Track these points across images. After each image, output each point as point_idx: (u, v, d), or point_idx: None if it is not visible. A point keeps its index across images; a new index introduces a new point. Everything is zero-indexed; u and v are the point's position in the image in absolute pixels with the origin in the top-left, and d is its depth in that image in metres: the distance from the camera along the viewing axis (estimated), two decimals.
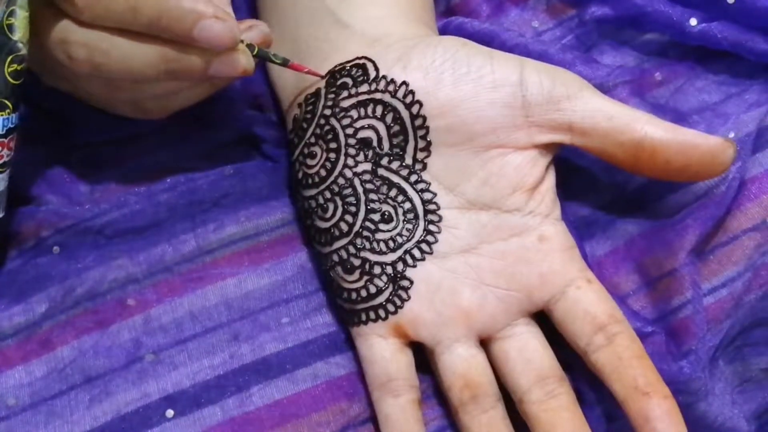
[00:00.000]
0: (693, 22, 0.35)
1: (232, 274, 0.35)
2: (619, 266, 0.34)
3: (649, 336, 0.32)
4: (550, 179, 0.33)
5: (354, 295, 0.33)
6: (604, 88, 0.35)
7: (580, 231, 0.35)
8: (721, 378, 0.34)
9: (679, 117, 0.35)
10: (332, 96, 0.34)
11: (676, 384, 0.31)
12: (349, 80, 0.33)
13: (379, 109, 0.33)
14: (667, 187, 0.34)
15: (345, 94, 0.33)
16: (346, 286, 0.33)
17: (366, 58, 0.33)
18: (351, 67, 0.34)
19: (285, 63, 0.33)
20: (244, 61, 0.31)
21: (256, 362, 0.33)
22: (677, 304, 0.33)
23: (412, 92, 0.32)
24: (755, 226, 0.33)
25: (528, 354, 0.32)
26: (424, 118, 0.32)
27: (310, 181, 0.34)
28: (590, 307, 0.31)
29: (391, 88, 0.33)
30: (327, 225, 0.34)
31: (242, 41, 0.31)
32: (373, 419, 0.33)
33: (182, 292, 0.34)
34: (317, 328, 0.34)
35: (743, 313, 0.33)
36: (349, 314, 0.33)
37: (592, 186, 0.35)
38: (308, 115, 0.34)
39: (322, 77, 0.34)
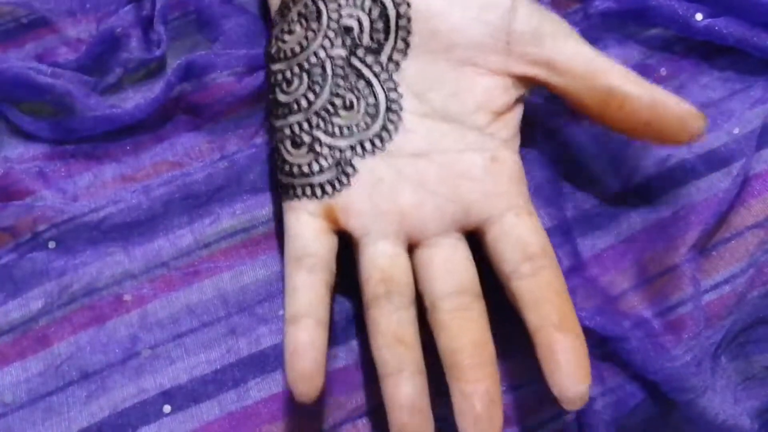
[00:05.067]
0: (698, 17, 0.35)
1: (229, 267, 0.34)
2: (620, 261, 0.34)
3: (635, 339, 0.32)
4: (518, 112, 0.33)
5: (296, 170, 0.33)
6: None
7: (582, 225, 0.35)
8: (724, 375, 0.34)
9: None
10: None
11: (671, 381, 0.31)
12: None
13: (367, 2, 0.33)
14: (671, 182, 0.34)
15: None
16: (290, 159, 0.33)
17: None
18: None
19: None
20: None
21: (254, 356, 0.33)
22: (677, 300, 0.32)
23: None
24: (759, 223, 0.33)
25: (451, 265, 0.31)
26: (409, 19, 0.32)
27: (282, 55, 0.34)
28: (525, 235, 0.31)
29: None
30: (287, 98, 0.34)
31: None
32: (373, 413, 0.32)
33: (179, 287, 0.34)
34: None
35: (746, 309, 0.34)
36: (285, 187, 0.33)
37: (594, 180, 0.35)
38: None
39: None
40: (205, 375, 0.32)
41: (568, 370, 0.28)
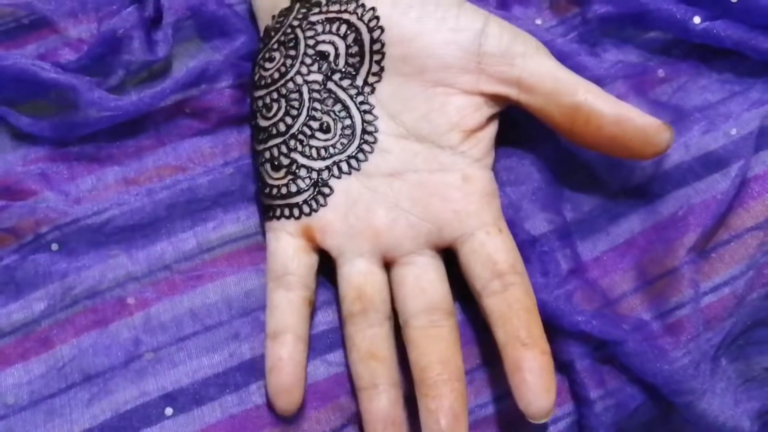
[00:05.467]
0: (696, 20, 0.35)
1: (233, 272, 0.35)
2: (619, 263, 0.34)
3: (633, 341, 0.32)
4: (491, 129, 0.34)
5: (275, 191, 0.34)
6: (605, 82, 0.35)
7: (581, 227, 0.35)
8: (724, 377, 0.34)
9: (681, 115, 0.35)
10: (304, 11, 0.35)
11: (669, 384, 0.31)
12: None
13: (343, 28, 0.34)
14: (669, 184, 0.34)
15: (316, 10, 0.35)
16: (270, 182, 0.34)
17: None
18: None
19: None
20: None
21: (256, 360, 0.33)
22: (676, 302, 0.32)
23: (377, 17, 0.33)
24: (758, 225, 0.33)
25: (423, 283, 0.32)
26: (383, 44, 0.33)
27: (263, 82, 0.35)
28: (494, 253, 0.32)
29: (359, 11, 0.34)
30: (267, 123, 0.35)
31: None
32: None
33: (182, 291, 0.34)
34: (317, 325, 0.34)
35: (746, 311, 0.33)
36: (266, 208, 0.35)
37: (593, 183, 0.35)
38: (278, 25, 0.36)
39: None
40: (207, 378, 0.33)
41: (534, 385, 0.29)
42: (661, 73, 0.36)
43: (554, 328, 0.33)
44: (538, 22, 0.38)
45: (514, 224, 0.34)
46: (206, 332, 0.33)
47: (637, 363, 0.32)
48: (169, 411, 0.32)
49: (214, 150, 0.37)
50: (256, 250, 0.35)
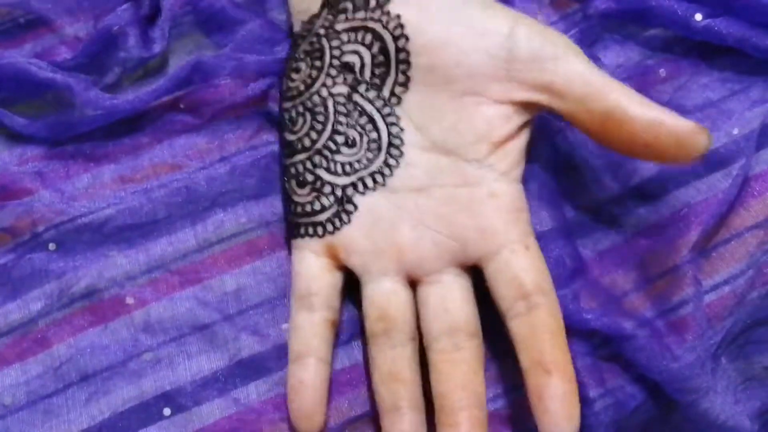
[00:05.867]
0: (698, 17, 0.35)
1: (231, 271, 0.34)
2: (621, 262, 0.34)
3: (642, 337, 0.32)
4: (521, 140, 0.32)
5: (300, 209, 0.34)
6: None
7: (583, 226, 0.35)
8: (724, 376, 0.34)
9: (682, 113, 0.35)
10: (330, 18, 0.34)
11: (675, 382, 0.31)
12: (349, 4, 0.34)
13: (368, 38, 0.33)
14: (671, 183, 0.34)
15: (342, 17, 0.34)
16: (296, 198, 0.34)
17: None
18: None
19: None
20: None
21: (255, 359, 0.33)
22: (678, 301, 0.32)
23: (401, 25, 0.32)
24: (758, 224, 0.33)
25: (447, 303, 0.31)
26: (408, 53, 0.32)
27: (289, 93, 0.35)
28: (520, 272, 0.31)
29: (384, 18, 0.32)
30: (293, 138, 0.34)
31: None
32: (374, 416, 0.32)
33: (180, 290, 0.34)
34: None
35: (746, 310, 0.33)
36: (290, 226, 0.34)
37: (595, 181, 0.35)
38: (305, 33, 0.35)
39: None
40: (205, 377, 0.32)
41: (555, 414, 0.29)
42: (662, 72, 0.36)
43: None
44: (540, 18, 0.38)
45: None
46: (204, 331, 0.33)
47: (643, 359, 0.32)
48: (167, 411, 0.32)
49: (210, 146, 0.37)
50: (254, 248, 0.35)
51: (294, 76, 0.35)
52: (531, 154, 0.35)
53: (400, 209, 0.32)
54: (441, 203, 0.32)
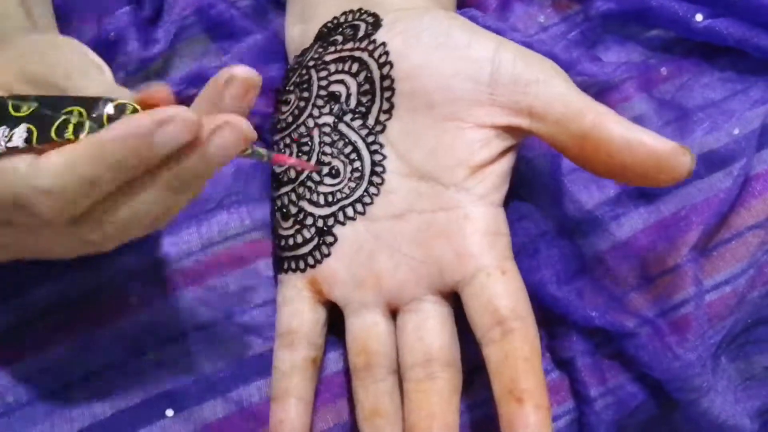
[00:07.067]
0: (699, 17, 0.35)
1: (234, 270, 0.34)
2: (621, 262, 0.34)
3: (645, 335, 0.32)
4: (503, 164, 0.31)
5: (284, 242, 0.34)
6: (611, 85, 0.35)
7: (584, 225, 0.35)
8: (724, 375, 0.34)
9: (683, 113, 0.35)
10: (321, 50, 0.34)
11: (677, 381, 0.31)
12: (339, 37, 0.34)
13: (355, 66, 0.33)
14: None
15: (332, 49, 0.34)
16: (280, 232, 0.34)
17: (367, 13, 0.34)
18: (347, 26, 0.34)
19: (269, 158, 0.30)
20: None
21: (257, 358, 0.33)
22: (679, 300, 0.32)
23: (386, 53, 0.32)
24: (759, 223, 0.33)
25: (422, 332, 0.31)
26: (392, 80, 0.32)
27: (279, 126, 0.35)
28: (494, 298, 0.29)
29: (370, 47, 0.33)
30: (279, 170, 0.34)
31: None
32: None
33: (184, 289, 0.34)
34: None
35: (746, 310, 0.34)
36: (276, 261, 0.34)
37: (594, 181, 0.35)
38: (296, 65, 0.35)
39: (315, 170, 0.33)
40: (208, 377, 0.33)
41: None
42: (663, 71, 0.36)
43: (562, 323, 0.33)
44: (541, 19, 0.38)
45: (525, 218, 0.34)
46: (207, 330, 0.33)
47: (645, 357, 0.32)
48: (170, 412, 0.32)
49: None
50: (257, 248, 0.35)
51: (284, 108, 0.35)
52: (534, 153, 0.35)
53: (379, 238, 0.32)
54: (418, 229, 0.31)
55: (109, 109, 0.26)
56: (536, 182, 0.35)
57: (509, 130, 0.31)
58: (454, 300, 0.31)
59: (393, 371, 0.31)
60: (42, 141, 0.26)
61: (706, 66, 0.36)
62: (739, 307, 0.33)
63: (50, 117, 0.26)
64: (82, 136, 0.26)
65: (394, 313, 0.32)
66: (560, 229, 0.34)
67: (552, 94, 0.30)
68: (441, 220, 0.31)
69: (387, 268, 0.31)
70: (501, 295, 0.29)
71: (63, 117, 0.26)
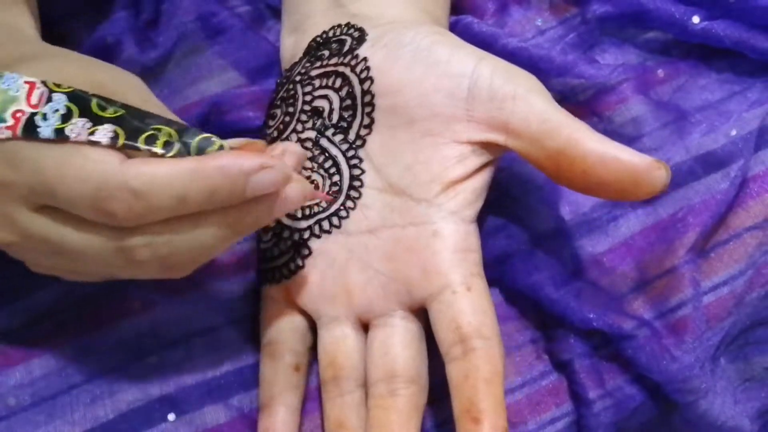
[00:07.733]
0: (695, 20, 0.35)
1: (236, 274, 0.35)
2: (619, 264, 0.34)
3: (642, 337, 0.32)
4: (478, 180, 0.31)
5: (263, 255, 0.34)
6: (609, 87, 0.35)
7: (581, 227, 0.35)
8: (723, 376, 0.34)
9: (681, 115, 0.35)
10: (308, 65, 0.34)
11: (675, 383, 0.31)
12: (326, 52, 0.34)
13: (338, 81, 0.33)
14: (669, 184, 0.34)
15: (318, 64, 0.34)
16: (261, 245, 0.34)
17: (354, 27, 0.34)
18: (334, 41, 0.34)
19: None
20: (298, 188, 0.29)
21: (258, 365, 0.33)
22: (677, 302, 0.32)
23: (367, 68, 0.32)
24: (757, 224, 0.33)
25: (387, 348, 0.31)
26: (372, 95, 0.32)
27: (266, 140, 0.35)
28: (459, 315, 0.29)
29: (353, 62, 0.33)
30: None
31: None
32: None
33: (186, 293, 0.34)
34: None
35: (745, 311, 0.33)
36: (258, 274, 0.34)
37: None
38: (284, 80, 0.35)
39: (328, 200, 0.33)
40: (210, 380, 0.33)
41: None
42: (660, 73, 0.36)
43: (560, 326, 0.33)
44: (538, 23, 0.39)
45: (521, 220, 0.34)
46: (210, 334, 0.33)
47: (643, 359, 0.32)
48: (171, 417, 0.32)
49: None
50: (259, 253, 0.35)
51: (270, 122, 0.35)
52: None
53: (352, 252, 0.32)
54: (389, 244, 0.31)
55: (198, 139, 0.27)
56: (532, 184, 0.35)
57: (486, 146, 0.31)
58: (426, 317, 0.31)
59: (361, 385, 0.31)
60: (129, 146, 0.27)
61: (703, 68, 0.36)
62: (737, 308, 0.33)
63: (138, 126, 0.27)
64: (169, 154, 0.27)
65: (367, 327, 0.32)
66: (558, 231, 0.34)
67: (528, 110, 0.29)
68: (411, 236, 0.31)
69: (358, 282, 0.31)
70: (465, 313, 0.29)
71: (152, 131, 0.27)
